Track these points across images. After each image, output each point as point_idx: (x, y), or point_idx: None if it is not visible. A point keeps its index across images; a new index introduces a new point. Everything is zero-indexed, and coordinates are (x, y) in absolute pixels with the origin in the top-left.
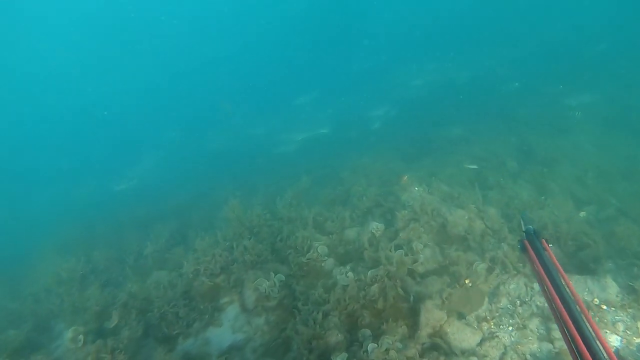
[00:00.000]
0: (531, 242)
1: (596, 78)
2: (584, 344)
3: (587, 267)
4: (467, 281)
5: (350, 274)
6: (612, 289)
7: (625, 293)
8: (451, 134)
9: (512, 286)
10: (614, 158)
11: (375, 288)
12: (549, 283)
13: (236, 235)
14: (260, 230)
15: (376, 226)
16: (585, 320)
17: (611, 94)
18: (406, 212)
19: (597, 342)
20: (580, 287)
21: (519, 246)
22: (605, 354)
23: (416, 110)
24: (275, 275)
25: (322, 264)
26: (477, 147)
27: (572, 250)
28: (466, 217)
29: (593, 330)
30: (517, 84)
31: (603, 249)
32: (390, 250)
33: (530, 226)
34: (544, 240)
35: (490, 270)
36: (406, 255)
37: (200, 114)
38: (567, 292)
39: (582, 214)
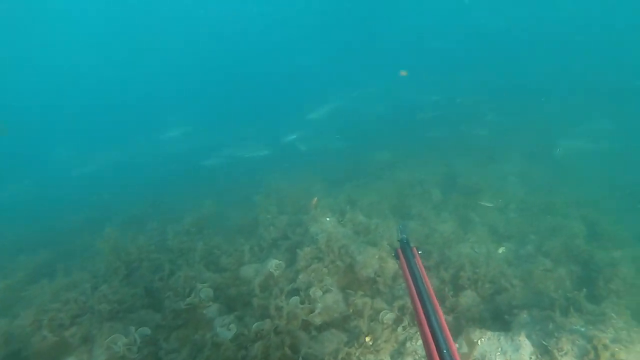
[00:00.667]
0: (403, 251)
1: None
2: (434, 342)
3: (502, 319)
4: (367, 339)
5: (232, 325)
6: (526, 349)
7: (539, 353)
8: (379, 158)
9: (419, 342)
10: (535, 190)
11: (259, 346)
12: (413, 288)
13: (109, 272)
14: (140, 265)
15: (276, 264)
16: (439, 324)
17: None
18: (309, 249)
19: (446, 342)
20: (492, 347)
21: (393, 254)
22: (451, 356)
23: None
24: (138, 329)
25: (204, 311)
26: (403, 173)
27: (489, 293)
28: (377, 257)
29: (443, 332)
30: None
31: (520, 293)
32: (282, 299)
33: (405, 236)
34: (414, 248)
35: (397, 321)
36: (302, 303)
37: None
38: (428, 297)
39: (501, 250)
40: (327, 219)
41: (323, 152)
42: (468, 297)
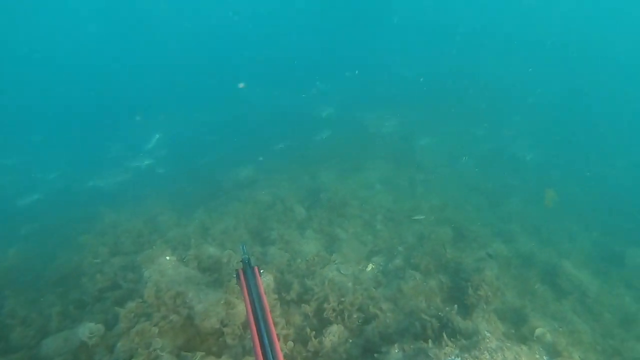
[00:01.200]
0: (245, 271)
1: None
2: (262, 354)
3: (371, 358)
4: None
5: None
6: None
7: None
8: (239, 176)
9: None
10: (401, 197)
11: None
12: (249, 307)
13: None
14: None
15: (91, 330)
16: (270, 337)
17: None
18: (133, 304)
19: (274, 354)
20: None
21: (234, 275)
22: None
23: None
24: None
25: None
26: (265, 190)
27: (357, 324)
28: (223, 301)
29: (272, 345)
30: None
31: (390, 319)
32: None
33: (246, 256)
34: (256, 268)
35: None
36: None
37: None
38: (264, 318)
39: (370, 267)
40: (167, 257)
41: (178, 174)
42: (334, 335)
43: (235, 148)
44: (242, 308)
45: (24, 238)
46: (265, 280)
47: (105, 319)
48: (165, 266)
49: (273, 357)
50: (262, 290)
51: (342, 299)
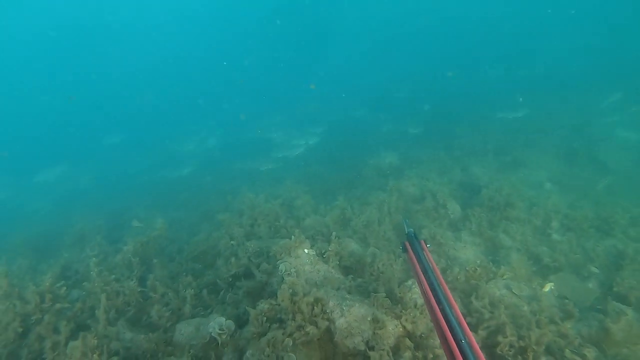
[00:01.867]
0: (411, 244)
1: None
2: (452, 336)
3: None
4: None
5: None
6: None
7: None
8: (382, 163)
9: None
10: (579, 202)
11: None
12: (424, 280)
13: None
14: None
15: (221, 324)
16: (454, 314)
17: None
18: (266, 306)
19: (464, 334)
20: None
21: (400, 247)
22: (470, 345)
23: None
24: None
25: None
26: (410, 180)
27: None
28: (370, 317)
29: (460, 323)
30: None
31: None
32: None
33: (411, 229)
34: (423, 242)
35: None
36: None
37: None
38: (440, 287)
39: (548, 287)
40: (306, 250)
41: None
42: None
43: (375, 133)
44: (392, 328)
45: (176, 208)
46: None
47: (236, 315)
48: (303, 261)
49: (461, 332)
50: (434, 265)
51: (523, 332)
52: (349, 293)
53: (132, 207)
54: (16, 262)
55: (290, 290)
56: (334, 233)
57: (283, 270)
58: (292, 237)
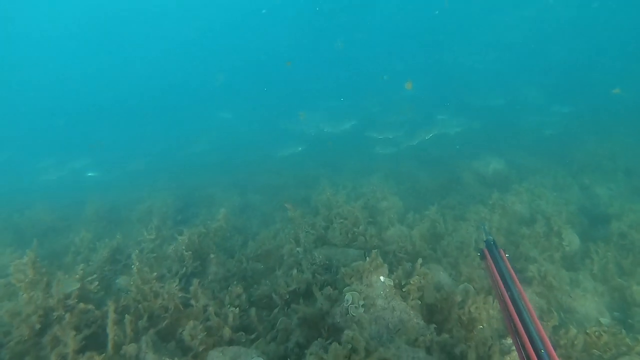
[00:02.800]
0: (490, 251)
1: None
2: (532, 346)
3: None
4: None
5: None
6: None
7: None
8: (486, 170)
9: None
10: None
11: None
12: (503, 288)
13: None
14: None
15: None
16: (534, 324)
17: None
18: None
19: (543, 342)
20: None
21: (478, 254)
22: (550, 356)
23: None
24: None
25: None
26: (518, 196)
27: None
28: None
29: (540, 335)
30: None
31: None
32: None
33: (491, 237)
34: (501, 250)
35: None
36: None
37: None
38: (519, 297)
39: None
40: (382, 278)
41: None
42: None
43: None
44: None
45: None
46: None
47: (284, 352)
48: (376, 292)
49: (541, 342)
50: (513, 273)
51: None
52: (429, 353)
53: (208, 185)
54: (80, 234)
55: (354, 340)
56: (419, 260)
57: (349, 302)
58: (367, 257)
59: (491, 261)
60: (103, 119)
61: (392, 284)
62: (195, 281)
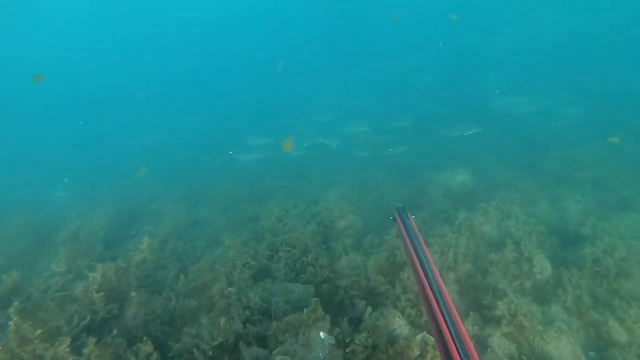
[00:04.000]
0: (400, 215)
1: None
2: (432, 294)
3: None
4: None
5: None
6: None
7: None
8: (452, 182)
9: None
10: None
11: None
12: (409, 244)
13: None
14: None
15: None
16: (432, 272)
17: None
18: None
19: (442, 293)
20: None
21: (391, 218)
22: (447, 305)
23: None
24: None
25: None
26: (487, 215)
27: None
28: None
29: (438, 283)
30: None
31: None
32: None
33: (401, 204)
34: (409, 214)
35: None
36: None
37: None
38: (422, 251)
39: None
40: (322, 335)
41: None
42: None
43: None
44: None
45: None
46: None
47: None
48: (314, 354)
49: (441, 296)
50: (418, 233)
51: None
52: None
53: (158, 197)
54: None
55: None
56: (369, 310)
57: None
58: (305, 309)
59: (401, 224)
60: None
61: (333, 342)
62: (91, 341)
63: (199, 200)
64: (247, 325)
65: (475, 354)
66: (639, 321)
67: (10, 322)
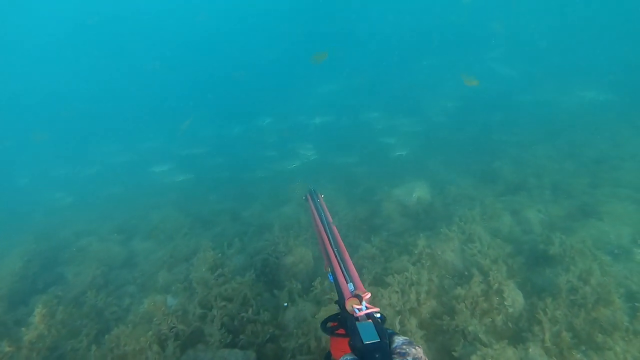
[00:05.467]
0: (312, 196)
1: None
2: (337, 261)
3: None
4: None
5: None
6: None
7: None
8: (410, 199)
9: None
10: None
11: None
12: (318, 220)
13: None
14: None
15: None
16: (330, 227)
17: None
18: None
19: (351, 277)
20: None
21: (304, 198)
22: (348, 271)
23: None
24: None
25: None
26: (449, 242)
27: None
28: None
29: (342, 253)
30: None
31: None
32: None
33: (312, 187)
34: (320, 195)
35: None
36: None
37: None
38: (328, 224)
39: None
40: None
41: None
42: None
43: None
44: None
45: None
46: None
47: None
48: None
49: (351, 279)
50: (326, 210)
51: None
52: None
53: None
54: None
55: None
56: None
57: None
58: None
59: (312, 204)
60: None
61: None
62: None
63: (137, 229)
64: None
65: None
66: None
67: None
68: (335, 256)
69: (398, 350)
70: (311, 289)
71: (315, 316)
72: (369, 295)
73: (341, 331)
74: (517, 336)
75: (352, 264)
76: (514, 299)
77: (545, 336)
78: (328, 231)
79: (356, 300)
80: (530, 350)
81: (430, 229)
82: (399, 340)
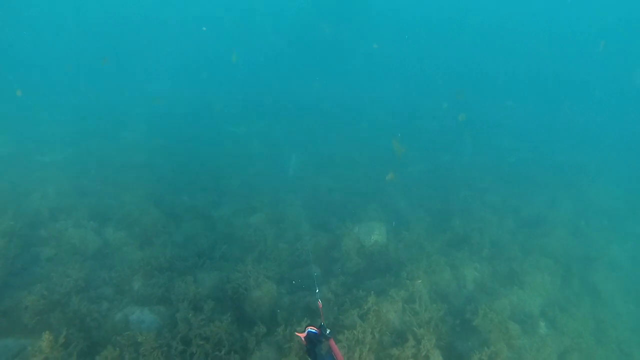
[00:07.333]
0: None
1: None
2: None
3: None
4: None
5: None
6: None
7: None
8: (368, 239)
9: None
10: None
11: None
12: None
13: None
14: None
15: None
16: None
17: None
18: None
19: None
20: None
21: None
22: None
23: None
24: None
25: None
26: (394, 304)
27: None
28: None
29: None
30: None
31: None
32: None
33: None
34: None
35: None
36: None
37: None
38: None
39: None
40: None
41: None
42: None
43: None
44: None
45: None
46: None
47: None
48: None
49: None
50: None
51: None
52: None
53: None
54: None
55: None
56: None
57: None
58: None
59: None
60: None
61: None
62: None
63: (110, 214)
64: None
65: None
66: None
67: None
68: None
69: None
70: (276, 327)
71: None
72: None
73: None
74: None
75: None
76: None
77: None
78: None
79: None
80: None
81: (381, 278)
82: None
